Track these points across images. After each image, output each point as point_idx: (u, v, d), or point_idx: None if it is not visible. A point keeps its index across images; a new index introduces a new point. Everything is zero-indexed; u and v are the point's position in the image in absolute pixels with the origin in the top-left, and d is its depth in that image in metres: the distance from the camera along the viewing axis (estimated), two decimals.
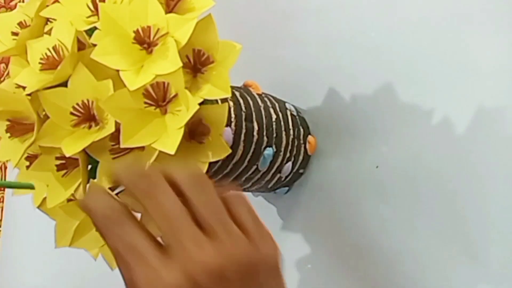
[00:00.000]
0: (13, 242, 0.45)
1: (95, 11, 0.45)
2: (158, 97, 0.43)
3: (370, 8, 0.61)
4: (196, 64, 0.45)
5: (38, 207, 0.46)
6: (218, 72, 0.44)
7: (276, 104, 0.60)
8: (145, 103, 0.43)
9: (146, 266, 0.35)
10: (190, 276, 0.34)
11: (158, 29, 0.43)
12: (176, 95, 0.43)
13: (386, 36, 0.60)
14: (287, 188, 0.64)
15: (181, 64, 0.41)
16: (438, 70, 0.57)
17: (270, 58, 0.67)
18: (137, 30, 0.43)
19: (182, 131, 0.42)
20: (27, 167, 0.46)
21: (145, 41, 0.42)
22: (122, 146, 0.42)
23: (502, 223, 0.53)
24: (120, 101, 0.42)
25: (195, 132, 0.45)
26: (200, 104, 0.44)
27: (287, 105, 0.62)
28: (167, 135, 0.42)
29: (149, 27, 0.43)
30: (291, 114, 0.61)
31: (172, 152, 0.41)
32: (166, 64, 0.42)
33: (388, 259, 0.58)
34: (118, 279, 0.38)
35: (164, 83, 0.42)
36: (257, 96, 0.59)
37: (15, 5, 0.53)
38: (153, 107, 0.43)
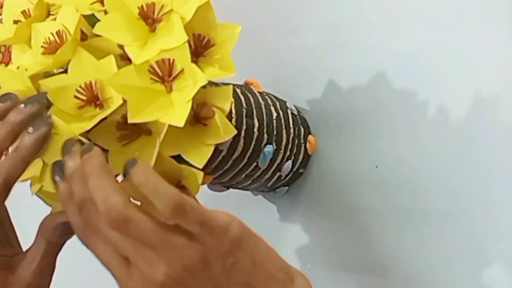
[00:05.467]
0: None
1: None
2: (164, 73, 0.43)
3: (370, 7, 0.61)
4: (197, 48, 0.45)
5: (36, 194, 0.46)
6: (220, 55, 0.45)
7: (277, 103, 0.60)
8: (151, 79, 0.43)
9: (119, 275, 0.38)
10: None
11: (162, 6, 0.43)
12: (182, 71, 0.43)
13: (386, 36, 0.60)
14: (287, 188, 0.63)
15: (186, 38, 0.41)
16: (439, 69, 0.57)
17: (271, 57, 0.67)
18: (142, 6, 0.43)
19: (190, 104, 0.42)
20: None
21: (150, 16, 0.43)
22: (129, 121, 0.42)
23: (504, 221, 0.53)
24: (126, 79, 0.42)
25: (199, 115, 0.45)
26: (204, 87, 0.44)
27: (288, 104, 0.62)
28: (174, 109, 0.42)
29: (153, 3, 0.43)
30: (292, 113, 0.61)
31: (181, 124, 0.41)
32: (171, 39, 0.42)
33: (388, 258, 0.58)
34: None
35: (169, 59, 0.42)
36: (258, 94, 0.59)
37: None
38: (159, 83, 0.43)
